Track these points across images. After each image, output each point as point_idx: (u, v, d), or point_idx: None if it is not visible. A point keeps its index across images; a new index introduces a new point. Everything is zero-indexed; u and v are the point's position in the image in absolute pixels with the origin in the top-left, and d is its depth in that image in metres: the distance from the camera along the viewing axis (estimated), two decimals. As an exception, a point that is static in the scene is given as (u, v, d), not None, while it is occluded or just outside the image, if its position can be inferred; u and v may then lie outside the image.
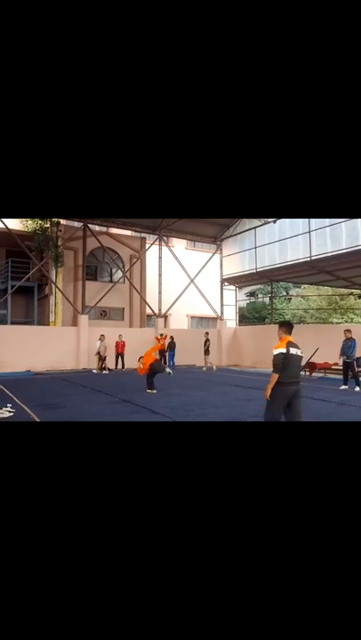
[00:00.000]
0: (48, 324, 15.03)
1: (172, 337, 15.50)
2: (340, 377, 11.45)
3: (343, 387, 9.53)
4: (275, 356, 3.89)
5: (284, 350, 3.87)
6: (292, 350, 3.91)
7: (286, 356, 3.86)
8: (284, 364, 3.85)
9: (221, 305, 18.62)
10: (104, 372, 13.23)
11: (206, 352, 14.44)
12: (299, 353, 3.96)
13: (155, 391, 8.44)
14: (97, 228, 16.25)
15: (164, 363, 15.18)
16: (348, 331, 9.48)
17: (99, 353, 13.19)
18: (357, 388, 9.26)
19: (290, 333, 4.08)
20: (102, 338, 13.26)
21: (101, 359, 13.24)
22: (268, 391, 3.90)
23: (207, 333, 14.92)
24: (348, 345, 9.21)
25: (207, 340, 14.51)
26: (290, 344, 3.94)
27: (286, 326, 4.13)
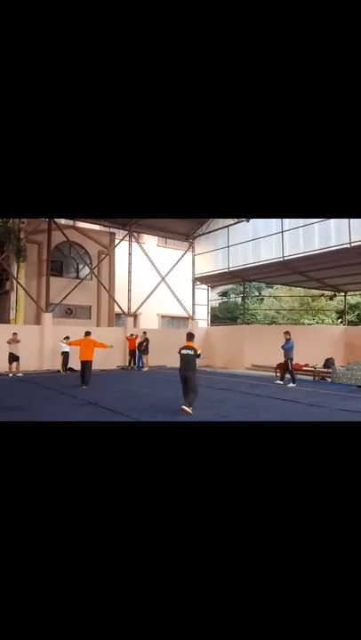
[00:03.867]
0: (9, 322, 14.05)
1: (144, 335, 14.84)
2: (308, 378, 12.11)
3: (278, 382, 10.53)
4: None
5: (178, 351, 6.50)
6: (183, 351, 6.34)
7: (180, 354, 6.36)
8: (180, 359, 6.40)
9: (193, 304, 18.23)
10: (18, 374, 11.92)
11: (144, 352, 14.23)
12: (190, 352, 6.28)
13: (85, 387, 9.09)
14: (63, 221, 15.45)
15: (134, 363, 14.66)
16: (287, 332, 10.48)
17: (11, 353, 11.82)
18: (291, 385, 10.15)
19: (191, 340, 6.54)
20: (14, 336, 11.88)
21: (14, 359, 11.90)
22: None
23: (145, 333, 14.59)
24: (286, 345, 10.23)
25: (145, 340, 14.24)
26: (183, 347, 6.37)
27: (188, 335, 6.74)
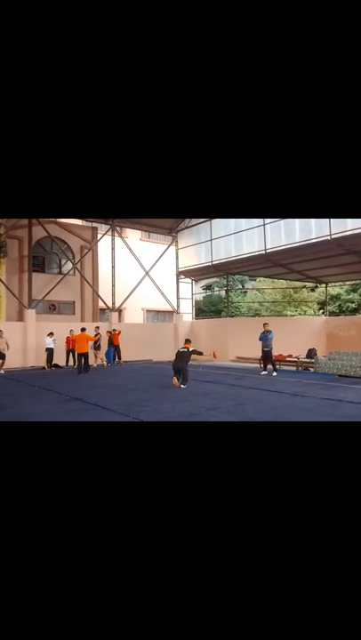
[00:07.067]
0: (-10, 320, 13.86)
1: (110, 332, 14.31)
2: (292, 368, 12.28)
3: (263, 372, 10.79)
4: None
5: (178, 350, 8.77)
6: (181, 349, 8.53)
7: (177, 352, 8.59)
8: (176, 355, 8.63)
9: (178, 298, 18.29)
10: (0, 372, 11.66)
11: (97, 348, 13.47)
12: (185, 352, 8.41)
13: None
14: (44, 216, 15.19)
15: (119, 358, 14.60)
16: (266, 324, 10.88)
17: None
18: (275, 374, 10.57)
19: (188, 344, 8.68)
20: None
21: (1, 358, 11.67)
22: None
23: (98, 327, 13.72)
24: (267, 336, 10.54)
25: (98, 335, 13.25)
26: (182, 348, 8.60)
27: (186, 340, 8.99)
